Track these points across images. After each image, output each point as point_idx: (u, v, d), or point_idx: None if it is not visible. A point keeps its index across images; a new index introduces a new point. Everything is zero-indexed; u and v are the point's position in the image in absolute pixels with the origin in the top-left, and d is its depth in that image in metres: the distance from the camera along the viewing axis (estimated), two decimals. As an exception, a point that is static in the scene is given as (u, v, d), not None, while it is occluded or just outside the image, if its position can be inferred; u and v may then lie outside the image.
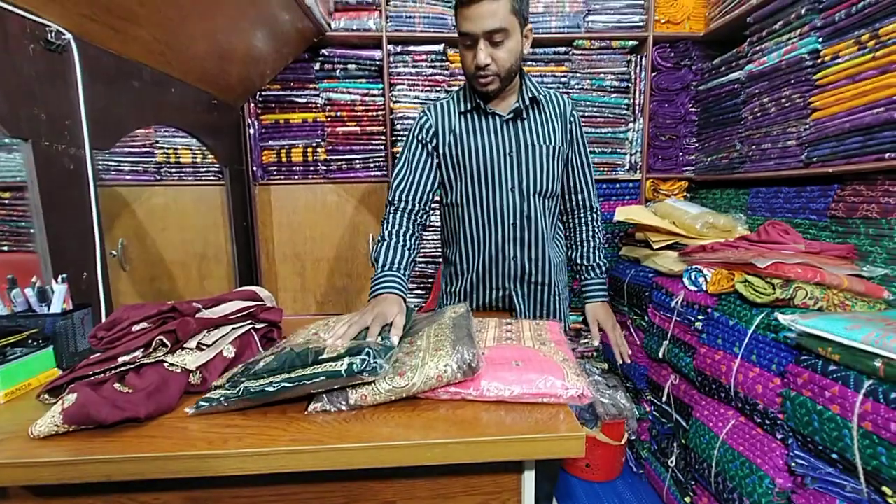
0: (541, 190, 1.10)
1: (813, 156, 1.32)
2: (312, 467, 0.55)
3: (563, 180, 1.18)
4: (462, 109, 1.08)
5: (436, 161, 1.10)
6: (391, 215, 1.05)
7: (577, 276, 1.25)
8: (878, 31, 1.10)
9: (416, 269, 2.00)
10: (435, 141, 1.09)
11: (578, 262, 1.23)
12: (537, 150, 1.08)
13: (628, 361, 1.20)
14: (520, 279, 1.14)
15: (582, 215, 1.22)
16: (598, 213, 1.23)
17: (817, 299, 1.05)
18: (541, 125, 1.09)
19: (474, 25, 0.93)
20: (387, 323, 0.74)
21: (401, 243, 1.00)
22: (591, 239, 1.22)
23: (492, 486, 0.62)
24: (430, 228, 1.94)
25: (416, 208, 1.06)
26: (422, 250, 1.99)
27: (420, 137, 1.09)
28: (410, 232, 1.03)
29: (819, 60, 1.28)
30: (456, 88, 1.93)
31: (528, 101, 1.07)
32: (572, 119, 1.13)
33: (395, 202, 1.06)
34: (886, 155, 1.10)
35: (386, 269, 0.95)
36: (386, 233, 1.02)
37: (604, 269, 1.22)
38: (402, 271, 0.95)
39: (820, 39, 1.28)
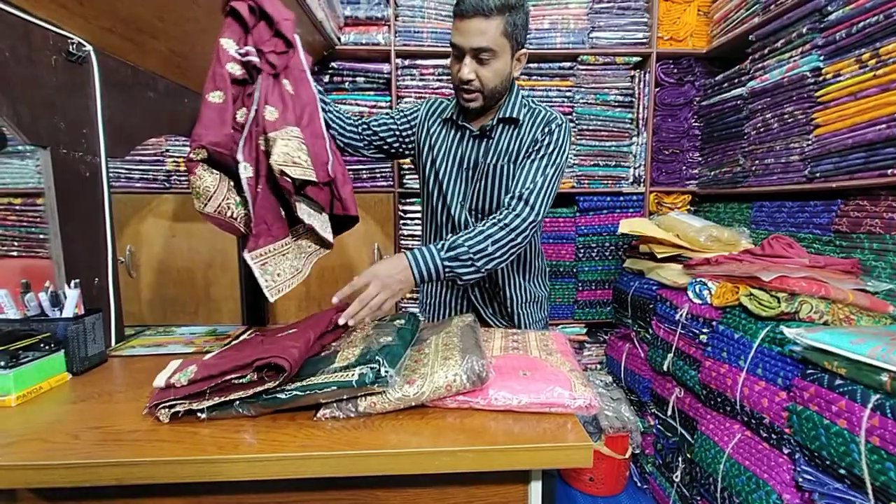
0: (489, 209, 1.07)
1: (816, 171, 1.33)
2: (321, 473, 0.55)
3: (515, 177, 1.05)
4: (445, 117, 1.11)
5: (395, 134, 1.15)
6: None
7: None
8: (879, 49, 1.12)
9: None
10: (412, 133, 1.15)
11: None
12: (493, 168, 1.05)
13: (349, 324, 0.80)
14: (477, 286, 1.15)
15: (511, 203, 0.97)
16: (530, 214, 0.96)
17: (822, 313, 1.05)
18: (508, 145, 1.05)
19: (464, 39, 0.95)
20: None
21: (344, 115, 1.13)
22: (491, 225, 0.94)
23: (498, 495, 0.62)
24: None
25: (361, 127, 1.14)
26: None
27: (404, 112, 1.16)
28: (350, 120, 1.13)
29: (821, 78, 1.30)
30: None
31: (496, 121, 1.04)
32: (546, 130, 1.03)
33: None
34: (889, 171, 1.11)
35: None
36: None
37: (458, 248, 0.90)
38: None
39: (821, 57, 1.30)
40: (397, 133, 1.15)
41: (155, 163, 1.89)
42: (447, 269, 0.90)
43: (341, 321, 0.79)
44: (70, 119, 0.94)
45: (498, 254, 0.93)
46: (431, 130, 1.12)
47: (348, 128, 1.12)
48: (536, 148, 1.02)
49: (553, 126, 1.03)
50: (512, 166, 1.04)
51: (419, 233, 1.96)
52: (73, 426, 0.61)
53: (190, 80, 1.31)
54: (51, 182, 0.89)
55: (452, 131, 1.10)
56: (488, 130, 1.05)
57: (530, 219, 0.96)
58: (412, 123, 1.15)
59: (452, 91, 1.97)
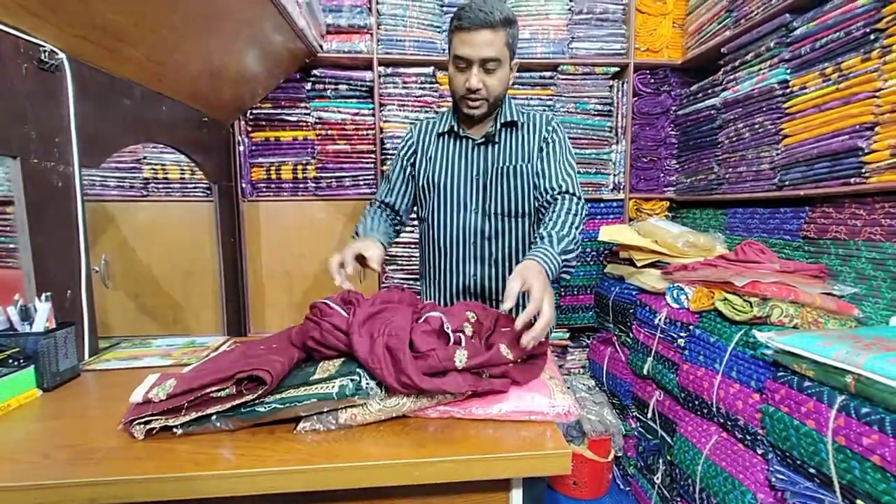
0: (508, 211, 1.10)
1: (785, 179, 1.38)
2: (301, 488, 0.55)
3: (538, 177, 1.08)
4: (440, 131, 1.14)
5: (411, 176, 1.19)
6: (369, 208, 1.20)
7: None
8: (841, 64, 1.17)
9: (408, 287, 2.00)
10: (413, 158, 1.18)
11: (537, 233, 0.95)
12: (506, 171, 1.09)
13: (528, 346, 0.70)
14: (480, 297, 1.16)
15: (557, 197, 1.03)
16: (580, 200, 1.04)
17: (792, 317, 1.09)
18: (514, 147, 1.10)
19: (472, 51, 0.99)
20: (362, 254, 0.91)
21: (378, 216, 1.15)
22: (560, 214, 0.97)
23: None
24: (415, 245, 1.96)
25: (390, 212, 1.20)
26: (408, 268, 2.00)
27: (402, 154, 1.20)
28: (384, 219, 1.17)
29: (788, 90, 1.36)
30: (444, 109, 1.99)
31: (499, 126, 1.10)
32: (549, 129, 1.11)
33: (374, 202, 1.22)
34: (852, 180, 1.16)
35: (362, 232, 1.09)
36: (364, 216, 1.15)
37: (562, 240, 0.90)
38: (378, 233, 1.07)
39: (788, 70, 1.35)
40: (413, 174, 1.18)
41: (132, 170, 1.85)
42: (564, 263, 0.89)
43: (525, 341, 0.68)
44: (42, 128, 0.91)
45: (579, 239, 0.96)
46: (428, 150, 1.15)
47: (396, 226, 1.21)
48: (549, 146, 1.09)
49: (554, 124, 1.12)
50: (527, 166, 1.09)
51: (402, 240, 1.96)
52: (44, 444, 0.60)
53: (166, 87, 1.30)
54: (21, 192, 0.87)
55: (452, 142, 1.13)
56: (492, 136, 1.10)
57: (582, 205, 1.03)
58: (412, 150, 1.18)
59: (434, 99, 1.99)
